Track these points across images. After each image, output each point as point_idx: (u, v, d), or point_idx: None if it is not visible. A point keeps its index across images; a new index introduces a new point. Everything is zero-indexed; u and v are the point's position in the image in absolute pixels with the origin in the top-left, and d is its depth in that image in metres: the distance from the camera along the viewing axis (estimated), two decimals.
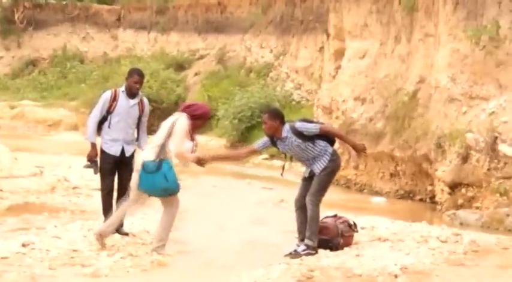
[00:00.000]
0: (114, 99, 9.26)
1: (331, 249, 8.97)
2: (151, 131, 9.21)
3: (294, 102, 26.14)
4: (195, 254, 8.90)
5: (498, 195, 12.59)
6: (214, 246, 9.46)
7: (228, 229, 10.78)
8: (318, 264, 8.16)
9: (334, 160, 8.96)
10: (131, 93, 9.33)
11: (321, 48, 24.11)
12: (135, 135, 9.51)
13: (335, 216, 9.60)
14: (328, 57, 19.97)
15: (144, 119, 9.55)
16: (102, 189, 9.46)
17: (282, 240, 9.78)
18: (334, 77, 18.94)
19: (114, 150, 9.30)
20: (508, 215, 11.84)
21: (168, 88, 30.30)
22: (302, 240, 8.93)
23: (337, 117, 18.11)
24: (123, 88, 9.37)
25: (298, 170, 19.80)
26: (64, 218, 10.78)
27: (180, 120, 8.63)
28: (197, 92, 30.36)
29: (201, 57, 33.97)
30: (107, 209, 9.32)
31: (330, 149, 8.95)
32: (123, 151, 9.32)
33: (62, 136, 27.69)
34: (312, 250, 8.77)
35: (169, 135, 8.54)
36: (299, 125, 8.89)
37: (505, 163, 12.67)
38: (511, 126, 12.74)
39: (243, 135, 24.99)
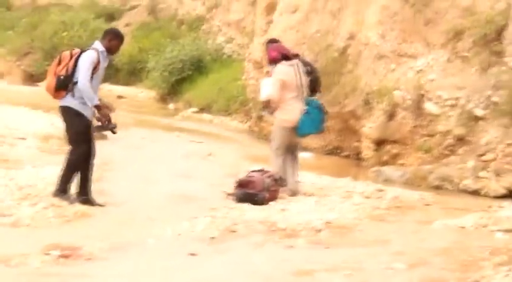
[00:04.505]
0: (98, 60, 8.79)
1: (257, 204, 9.01)
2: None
3: (225, 56, 26.00)
4: (120, 206, 8.82)
5: (422, 152, 12.78)
6: (140, 198, 9.39)
7: (155, 182, 10.69)
8: (242, 218, 8.20)
9: None
10: (112, 53, 9.07)
11: (254, 2, 23.96)
12: None
13: (261, 170, 9.64)
14: (260, 11, 19.84)
15: None
16: (78, 156, 8.49)
17: (208, 194, 9.77)
18: (265, 31, 18.83)
19: (88, 113, 8.57)
20: (431, 172, 12.02)
21: (98, 39, 29.72)
22: None
23: (267, 72, 18.04)
24: (101, 48, 8.94)
25: (227, 124, 19.81)
26: None
27: None
28: (128, 43, 29.89)
29: (132, 7, 33.48)
30: (71, 176, 8.51)
31: None
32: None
33: None
34: None
35: None
36: None
37: (430, 121, 12.83)
38: (437, 84, 12.89)
39: (173, 88, 24.84)
